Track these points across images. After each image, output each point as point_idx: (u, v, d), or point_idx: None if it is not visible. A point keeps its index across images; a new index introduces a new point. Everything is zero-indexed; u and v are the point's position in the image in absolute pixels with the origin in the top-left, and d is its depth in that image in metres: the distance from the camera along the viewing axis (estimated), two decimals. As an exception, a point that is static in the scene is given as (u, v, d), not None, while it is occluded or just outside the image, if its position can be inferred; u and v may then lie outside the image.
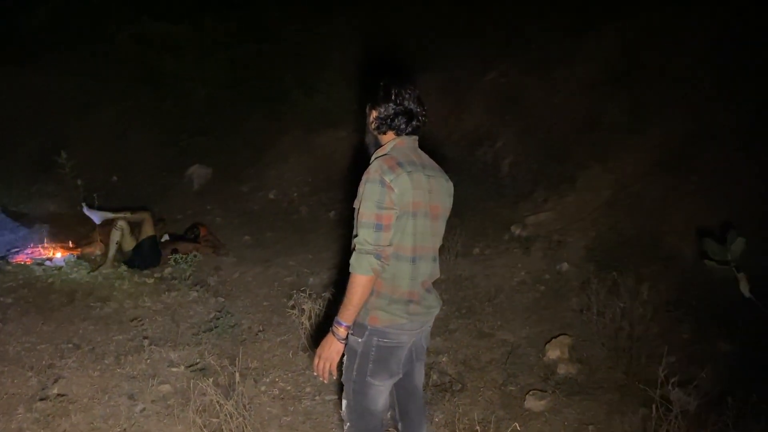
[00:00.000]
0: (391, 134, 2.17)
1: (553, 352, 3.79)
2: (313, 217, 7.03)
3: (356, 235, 2.03)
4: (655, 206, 4.91)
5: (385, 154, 2.10)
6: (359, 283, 1.98)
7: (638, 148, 5.50)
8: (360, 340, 2.08)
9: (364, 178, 2.04)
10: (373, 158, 2.15)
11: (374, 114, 2.18)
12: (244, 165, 8.19)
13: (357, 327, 2.07)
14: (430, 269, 2.18)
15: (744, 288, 3.03)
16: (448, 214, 2.24)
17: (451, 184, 2.25)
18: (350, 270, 2.00)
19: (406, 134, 2.16)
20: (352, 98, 7.99)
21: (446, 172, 2.29)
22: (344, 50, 9.02)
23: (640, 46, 6.36)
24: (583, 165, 5.78)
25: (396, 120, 2.13)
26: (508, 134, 6.76)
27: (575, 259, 4.82)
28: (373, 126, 2.20)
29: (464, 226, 5.37)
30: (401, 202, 2.00)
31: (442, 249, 2.32)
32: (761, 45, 5.24)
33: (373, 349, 2.08)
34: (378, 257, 1.97)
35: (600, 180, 5.51)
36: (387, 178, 1.98)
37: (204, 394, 3.09)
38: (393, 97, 2.13)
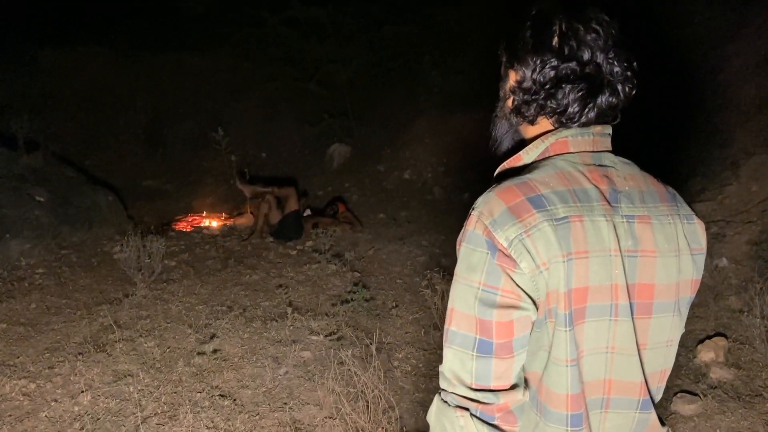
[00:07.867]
0: (546, 123, 1.03)
1: (706, 354, 3.49)
2: (447, 198, 7.04)
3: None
4: (838, 200, 4.32)
5: (513, 173, 1.01)
6: None
7: (819, 134, 4.85)
8: None
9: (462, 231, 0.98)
10: (496, 176, 1.07)
11: (514, 78, 1.04)
12: (381, 145, 8.38)
13: None
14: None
15: None
16: (689, 294, 1.04)
17: (696, 226, 1.05)
18: None
19: (581, 125, 1.00)
20: (490, 78, 7.83)
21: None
22: (484, 30, 8.84)
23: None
24: (748, 151, 5.21)
25: (558, 94, 0.98)
26: (663, 117, 6.27)
27: (736, 254, 4.39)
28: (510, 104, 1.06)
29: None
30: (539, 290, 0.92)
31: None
32: None
33: None
34: (486, 419, 0.91)
35: (769, 168, 4.95)
36: (501, 238, 0.91)
37: (342, 363, 3.24)
38: (556, 42, 0.97)
